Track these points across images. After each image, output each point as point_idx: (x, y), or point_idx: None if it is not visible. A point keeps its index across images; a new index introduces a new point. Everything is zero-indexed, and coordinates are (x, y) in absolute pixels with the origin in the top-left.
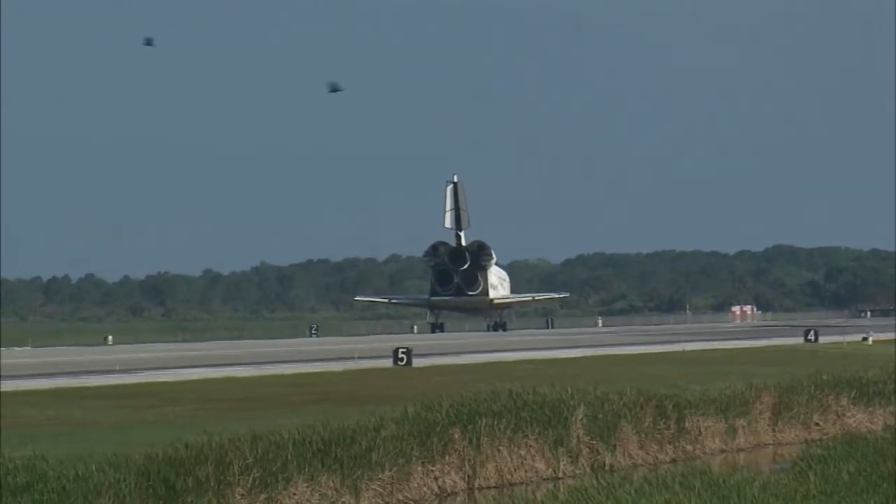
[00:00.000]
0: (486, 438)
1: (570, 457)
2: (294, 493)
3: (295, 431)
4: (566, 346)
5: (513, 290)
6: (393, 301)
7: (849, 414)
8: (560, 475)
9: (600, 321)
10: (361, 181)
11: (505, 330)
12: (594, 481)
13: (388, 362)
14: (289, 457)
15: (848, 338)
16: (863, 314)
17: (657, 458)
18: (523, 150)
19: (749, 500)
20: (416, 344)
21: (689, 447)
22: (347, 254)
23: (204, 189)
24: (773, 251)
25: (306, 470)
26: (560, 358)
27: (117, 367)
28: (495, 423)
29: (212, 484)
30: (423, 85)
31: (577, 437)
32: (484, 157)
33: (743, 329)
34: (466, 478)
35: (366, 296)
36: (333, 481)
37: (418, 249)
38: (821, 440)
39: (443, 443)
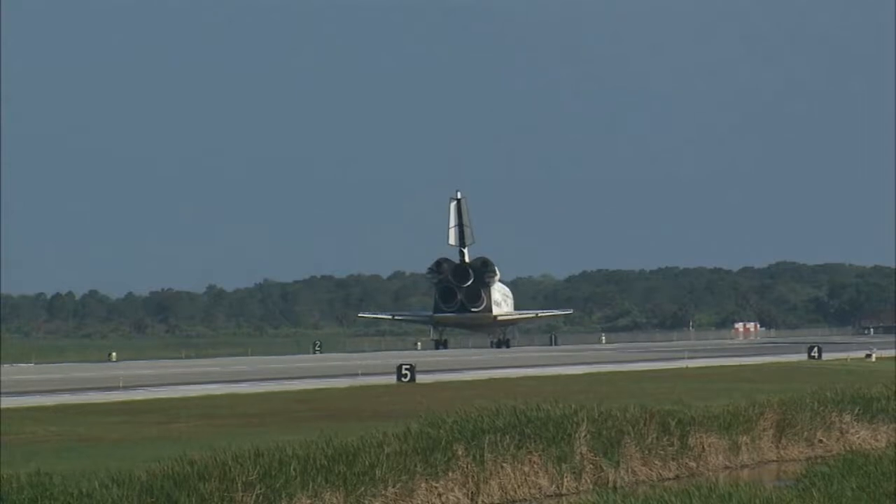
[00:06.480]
0: (489, 455)
1: (574, 473)
2: None
3: (298, 448)
4: (569, 362)
5: (516, 307)
6: (396, 317)
7: (852, 431)
8: (563, 492)
9: (604, 338)
10: (365, 197)
11: (508, 346)
12: (597, 498)
13: (392, 378)
14: (292, 473)
15: (851, 354)
16: (866, 331)
17: (661, 474)
18: (527, 167)
19: None
20: (419, 360)
21: (692, 464)
22: (351, 270)
23: (206, 206)
24: (777, 268)
25: (310, 486)
26: (563, 374)
27: (121, 384)
28: (499, 439)
29: (215, 500)
30: (427, 98)
31: (581, 453)
32: (488, 173)
33: (746, 346)
34: (470, 494)
35: (369, 312)
36: (337, 498)
37: (422, 266)
38: (824, 457)
39: (446, 459)
